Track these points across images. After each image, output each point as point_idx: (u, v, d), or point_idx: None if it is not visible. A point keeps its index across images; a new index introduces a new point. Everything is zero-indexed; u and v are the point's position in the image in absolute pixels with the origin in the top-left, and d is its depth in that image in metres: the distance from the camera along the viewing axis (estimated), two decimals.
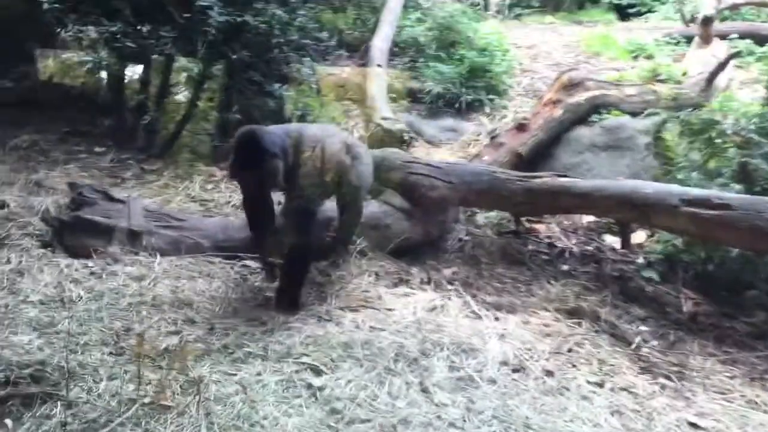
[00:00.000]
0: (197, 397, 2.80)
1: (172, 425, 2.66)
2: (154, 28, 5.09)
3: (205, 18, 4.97)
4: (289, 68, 5.90)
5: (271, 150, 3.49)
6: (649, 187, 4.13)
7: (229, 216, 4.59)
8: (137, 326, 3.31)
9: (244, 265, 4.02)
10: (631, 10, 10.93)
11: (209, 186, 5.10)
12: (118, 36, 5.05)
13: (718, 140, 4.57)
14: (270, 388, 2.92)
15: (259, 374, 3.01)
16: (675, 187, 4.10)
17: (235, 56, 5.21)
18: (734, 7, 8.75)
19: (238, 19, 5.09)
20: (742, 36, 8.04)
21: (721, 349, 3.74)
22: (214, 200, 4.85)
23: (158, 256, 4.00)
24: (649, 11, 10.78)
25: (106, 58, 5.27)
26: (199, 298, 3.66)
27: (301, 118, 6.19)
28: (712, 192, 3.97)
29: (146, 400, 2.75)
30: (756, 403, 3.22)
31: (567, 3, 11.43)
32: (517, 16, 10.75)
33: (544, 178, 4.46)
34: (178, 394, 2.83)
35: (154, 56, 5.63)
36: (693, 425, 3.01)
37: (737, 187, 4.15)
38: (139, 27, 5.09)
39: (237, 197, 4.94)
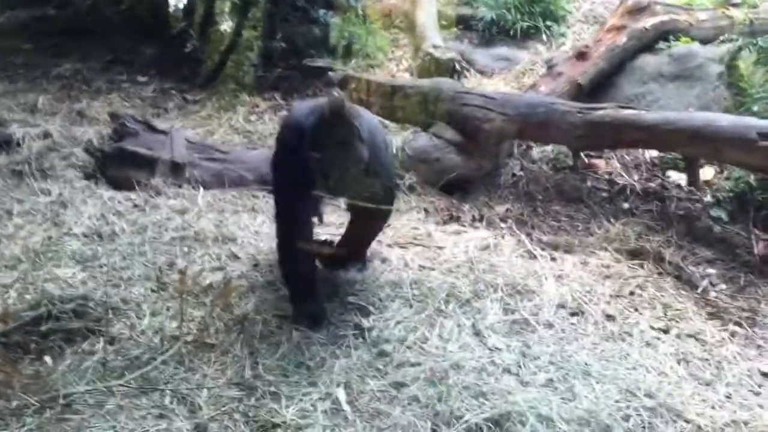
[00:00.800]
0: (241, 335, 2.72)
1: (216, 363, 2.58)
2: None
3: None
4: None
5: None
6: (723, 119, 3.81)
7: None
8: (180, 261, 3.23)
9: None
10: None
11: (253, 117, 4.95)
12: None
13: None
14: (316, 328, 2.80)
15: None
16: (753, 120, 3.77)
17: None
18: None
19: None
20: None
21: None
22: (258, 132, 4.71)
23: (201, 189, 3.91)
24: None
25: None
26: (243, 232, 3.55)
27: (347, 48, 5.93)
28: None
29: (189, 338, 2.68)
30: None
31: None
32: None
33: (607, 110, 4.17)
34: (222, 332, 2.75)
35: None
36: (766, 375, 2.80)
37: None
38: None
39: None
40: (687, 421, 2.46)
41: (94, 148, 4.16)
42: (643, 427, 2.42)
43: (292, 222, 2.81)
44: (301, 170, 2.61)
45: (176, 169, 4.01)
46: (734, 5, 5.77)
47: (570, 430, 2.35)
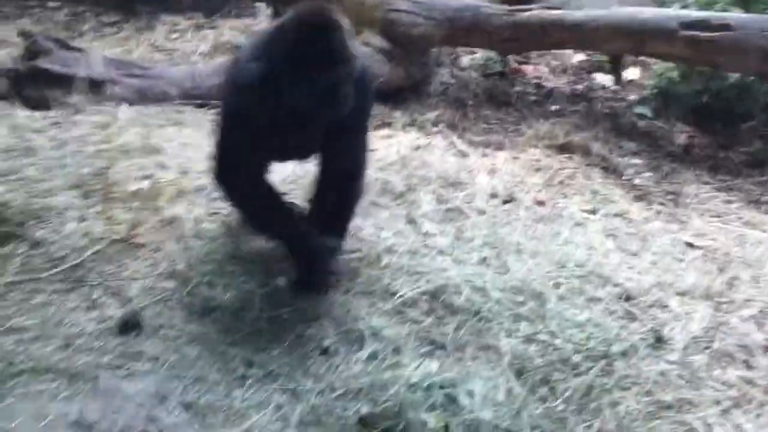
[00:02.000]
0: (173, 234, 2.66)
1: (147, 261, 2.52)
2: None
3: None
4: None
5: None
6: (646, 12, 3.87)
7: (197, 64, 4.30)
8: (105, 171, 3.12)
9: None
10: None
11: (174, 35, 4.76)
12: None
13: None
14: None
15: None
16: (674, 11, 3.85)
17: None
18: None
19: None
20: None
21: (717, 178, 3.62)
22: (180, 50, 4.54)
23: (123, 105, 3.75)
24: None
25: None
26: (169, 144, 3.43)
27: None
28: (712, 13, 3.74)
29: (117, 237, 2.60)
30: (753, 223, 3.13)
31: None
32: None
33: (533, 11, 4.17)
34: (151, 232, 2.68)
35: None
36: (689, 245, 2.93)
37: (737, 10, 3.90)
38: None
39: (204, 46, 4.66)
40: (615, 285, 2.57)
41: (6, 69, 3.93)
42: (573, 292, 2.50)
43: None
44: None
45: (95, 86, 3.82)
46: None
47: (504, 298, 2.42)
